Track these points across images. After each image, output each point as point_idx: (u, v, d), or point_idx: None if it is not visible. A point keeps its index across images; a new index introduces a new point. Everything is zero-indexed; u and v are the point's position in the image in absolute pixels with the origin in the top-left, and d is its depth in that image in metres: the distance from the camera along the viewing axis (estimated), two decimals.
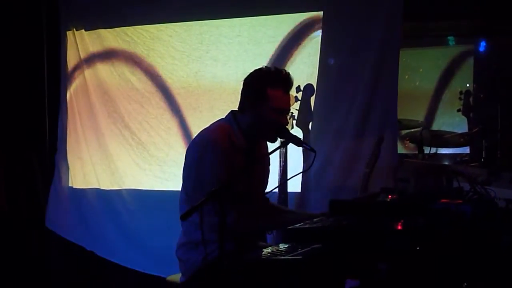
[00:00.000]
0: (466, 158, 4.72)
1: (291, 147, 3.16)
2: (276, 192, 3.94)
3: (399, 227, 2.51)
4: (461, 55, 5.46)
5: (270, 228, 3.34)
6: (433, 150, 4.47)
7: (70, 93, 5.25)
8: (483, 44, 5.23)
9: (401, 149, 4.60)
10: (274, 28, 4.61)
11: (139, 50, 5.02)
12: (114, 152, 5.06)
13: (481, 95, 4.69)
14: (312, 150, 3.03)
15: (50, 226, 5.24)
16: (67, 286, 5.31)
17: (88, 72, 5.17)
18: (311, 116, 4.24)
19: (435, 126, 5.16)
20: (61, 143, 5.27)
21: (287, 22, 4.59)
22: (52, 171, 5.29)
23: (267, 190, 3.28)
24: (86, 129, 5.17)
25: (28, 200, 5.34)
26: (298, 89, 4.17)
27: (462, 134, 4.68)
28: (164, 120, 4.95)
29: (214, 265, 2.73)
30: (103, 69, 5.13)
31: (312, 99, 4.28)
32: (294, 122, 4.21)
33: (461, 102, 4.69)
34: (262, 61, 4.55)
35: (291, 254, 2.45)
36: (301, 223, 2.74)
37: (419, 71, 5.48)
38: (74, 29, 5.21)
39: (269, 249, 2.60)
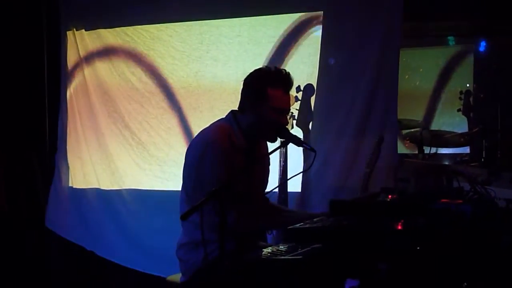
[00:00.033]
0: (466, 158, 4.73)
1: (291, 147, 3.16)
2: (276, 192, 3.94)
3: (399, 227, 2.51)
4: (461, 55, 5.46)
5: (270, 228, 3.34)
6: (433, 150, 4.48)
7: (70, 93, 5.25)
8: (483, 44, 5.24)
9: (401, 149, 4.60)
10: (274, 28, 4.61)
11: (139, 50, 5.02)
12: (114, 152, 5.06)
13: (481, 95, 4.69)
14: (312, 150, 3.03)
15: (50, 226, 5.24)
16: (67, 286, 5.31)
17: (88, 72, 5.17)
18: (311, 116, 4.24)
19: (435, 126, 5.16)
20: (61, 143, 5.27)
21: (287, 22, 4.58)
22: (52, 171, 5.29)
23: (267, 190, 3.27)
24: (86, 129, 5.17)
25: (28, 200, 5.35)
26: (298, 89, 4.17)
27: (462, 134, 4.68)
28: (164, 120, 4.94)
29: (214, 265, 2.73)
30: (103, 69, 5.13)
31: (312, 99, 4.28)
32: (294, 122, 4.21)
33: (461, 102, 4.69)
34: (262, 61, 4.56)
35: (291, 254, 2.45)
36: (301, 223, 2.74)
37: (419, 71, 5.48)
38: (74, 29, 5.21)
39: (269, 249, 2.61)
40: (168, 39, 4.93)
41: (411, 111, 5.22)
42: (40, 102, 5.34)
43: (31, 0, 5.31)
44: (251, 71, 3.18)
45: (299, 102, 4.20)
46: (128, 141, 5.02)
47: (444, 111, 5.32)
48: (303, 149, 3.51)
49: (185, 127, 4.87)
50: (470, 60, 5.36)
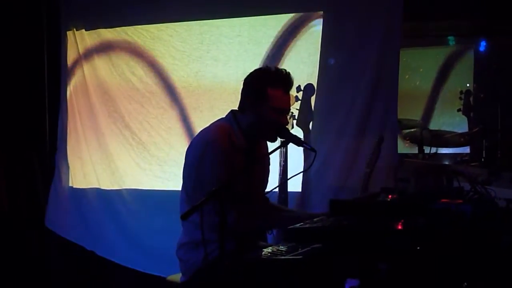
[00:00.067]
0: (466, 158, 4.73)
1: (291, 146, 3.16)
2: (277, 192, 3.94)
3: (399, 227, 2.51)
4: (461, 54, 5.46)
5: (270, 228, 3.34)
6: (433, 150, 4.47)
7: (70, 92, 5.25)
8: (483, 44, 5.24)
9: (401, 149, 4.60)
10: (274, 28, 4.61)
11: (140, 50, 5.02)
12: (115, 152, 5.06)
13: (481, 95, 4.69)
14: (312, 150, 3.03)
15: (50, 226, 5.24)
16: (67, 286, 5.31)
17: (88, 72, 5.17)
18: (312, 116, 4.24)
19: (435, 126, 5.16)
20: (61, 143, 5.27)
21: (287, 21, 4.58)
22: (52, 171, 5.29)
23: (267, 190, 3.27)
24: (86, 129, 5.17)
25: (28, 200, 5.35)
26: (298, 88, 4.17)
27: (462, 134, 4.68)
28: (164, 120, 4.94)
29: (214, 265, 2.73)
30: (103, 69, 5.13)
31: (313, 98, 4.28)
32: (295, 121, 4.20)
33: (461, 101, 4.69)
34: (262, 61, 4.56)
35: (291, 254, 2.45)
36: (301, 223, 2.74)
37: (419, 71, 5.48)
38: (75, 29, 5.21)
39: (269, 249, 2.60)
40: (169, 39, 4.93)
41: (411, 111, 5.22)
42: (40, 102, 5.34)
43: (32, 0, 5.31)
44: (251, 71, 3.18)
45: (299, 102, 4.20)
46: (129, 141, 5.02)
47: (444, 111, 5.31)
48: (303, 149, 3.51)
49: (186, 127, 4.87)
50: (470, 60, 5.36)
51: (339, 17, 4.40)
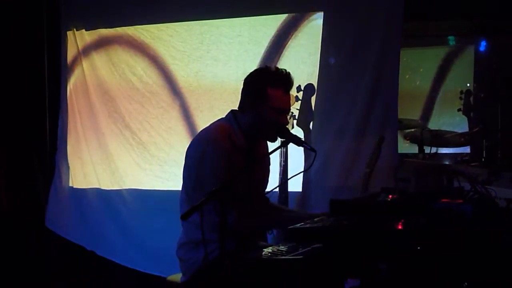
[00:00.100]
0: (466, 158, 4.73)
1: (292, 146, 3.16)
2: (277, 191, 3.94)
3: (400, 227, 2.51)
4: (461, 54, 5.46)
5: (270, 227, 3.34)
6: (434, 149, 4.47)
7: (71, 92, 5.25)
8: (483, 43, 5.24)
9: (401, 149, 4.60)
10: (274, 28, 4.61)
11: (140, 50, 5.02)
12: (115, 152, 5.06)
13: (482, 95, 4.70)
14: (313, 149, 3.03)
15: (50, 226, 5.24)
16: (67, 286, 5.31)
17: (88, 72, 5.16)
18: (312, 115, 4.24)
19: (435, 126, 5.16)
20: (62, 143, 5.27)
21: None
22: (52, 171, 5.29)
23: (268, 189, 3.27)
24: (87, 129, 5.17)
25: (28, 200, 5.34)
26: (298, 88, 4.17)
27: (462, 134, 4.68)
28: (164, 120, 4.94)
29: (214, 264, 2.73)
30: (103, 69, 5.13)
31: (313, 98, 4.28)
32: (295, 121, 4.20)
33: (462, 101, 4.69)
34: (262, 60, 4.55)
35: (291, 254, 2.45)
36: (302, 223, 2.74)
37: (419, 71, 5.48)
38: (75, 29, 5.21)
39: (269, 249, 2.60)
40: (169, 39, 4.93)
41: (411, 111, 5.22)
42: (41, 102, 5.34)
43: (32, 0, 5.31)
44: (251, 71, 3.19)
45: (299, 101, 4.20)
46: (129, 141, 5.02)
47: (445, 111, 5.31)
48: (304, 149, 3.50)
49: (186, 127, 4.87)
50: (470, 59, 5.36)
51: (340, 17, 4.39)
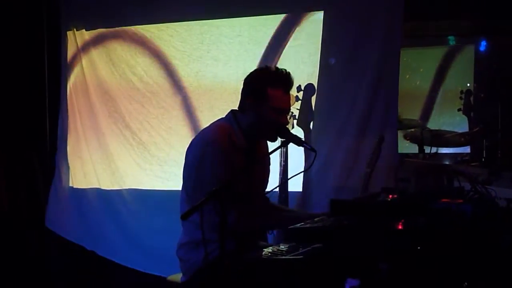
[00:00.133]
0: (466, 158, 4.73)
1: (292, 146, 3.16)
2: (277, 191, 3.94)
3: (400, 227, 2.51)
4: (461, 54, 5.46)
5: (270, 227, 3.34)
6: (434, 149, 4.47)
7: (71, 92, 5.25)
8: (483, 43, 5.23)
9: (401, 149, 4.60)
10: (274, 28, 4.61)
11: (140, 50, 5.02)
12: (115, 152, 5.06)
13: (482, 95, 4.70)
14: (313, 149, 3.03)
15: (50, 226, 5.24)
16: (67, 286, 5.31)
17: (88, 72, 5.17)
18: (312, 115, 4.24)
19: (435, 126, 5.16)
20: (62, 142, 5.27)
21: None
22: (52, 171, 5.29)
23: (268, 189, 3.27)
24: (87, 129, 5.17)
25: (28, 200, 5.34)
26: (299, 88, 4.17)
27: (462, 134, 4.68)
28: (165, 119, 4.94)
29: (214, 264, 2.73)
30: (103, 69, 5.13)
31: (313, 98, 4.28)
32: (295, 121, 4.21)
33: (462, 101, 4.69)
34: (262, 61, 4.55)
35: (292, 254, 2.45)
36: (302, 223, 2.74)
37: (419, 71, 5.48)
38: (75, 29, 5.21)
39: (269, 249, 2.60)
40: (169, 39, 4.93)
41: (411, 110, 5.22)
42: (41, 102, 5.34)
43: (32, 0, 5.31)
44: (251, 71, 3.19)
45: (299, 101, 4.20)
46: (129, 141, 5.02)
47: (445, 111, 5.31)
48: (304, 149, 3.50)
49: (186, 127, 4.87)
50: (470, 59, 5.36)
51: (340, 17, 4.40)
